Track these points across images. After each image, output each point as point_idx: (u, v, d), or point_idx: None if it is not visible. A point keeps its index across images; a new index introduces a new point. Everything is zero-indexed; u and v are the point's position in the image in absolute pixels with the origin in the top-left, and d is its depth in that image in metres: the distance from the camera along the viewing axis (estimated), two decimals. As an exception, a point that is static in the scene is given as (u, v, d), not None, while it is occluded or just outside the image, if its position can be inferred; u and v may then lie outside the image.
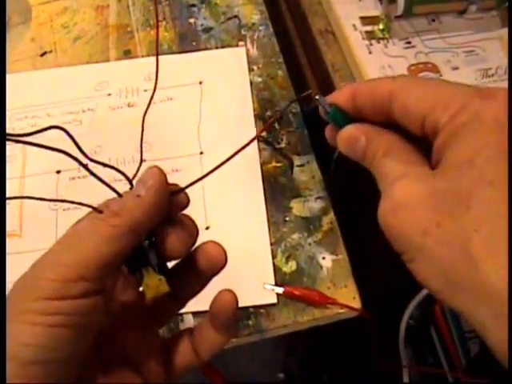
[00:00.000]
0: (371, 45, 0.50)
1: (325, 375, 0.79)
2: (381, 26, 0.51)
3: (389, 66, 0.49)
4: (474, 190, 0.21)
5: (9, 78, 0.55)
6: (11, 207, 0.48)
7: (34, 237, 0.47)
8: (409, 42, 0.50)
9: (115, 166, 0.26)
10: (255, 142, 0.50)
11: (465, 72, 0.48)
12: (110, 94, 0.54)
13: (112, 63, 0.57)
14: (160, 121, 0.51)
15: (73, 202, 0.27)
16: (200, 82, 0.54)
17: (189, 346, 0.30)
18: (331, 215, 0.47)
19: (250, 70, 0.54)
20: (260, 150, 0.50)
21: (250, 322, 0.43)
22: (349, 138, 0.27)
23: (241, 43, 0.56)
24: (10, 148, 0.51)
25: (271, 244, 0.46)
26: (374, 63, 0.49)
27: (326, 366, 0.79)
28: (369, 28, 0.51)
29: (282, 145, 0.50)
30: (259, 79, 0.54)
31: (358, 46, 0.50)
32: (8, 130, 0.22)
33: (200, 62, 0.55)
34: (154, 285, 0.27)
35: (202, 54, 0.56)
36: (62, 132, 0.24)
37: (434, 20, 0.52)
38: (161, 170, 0.26)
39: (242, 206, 0.47)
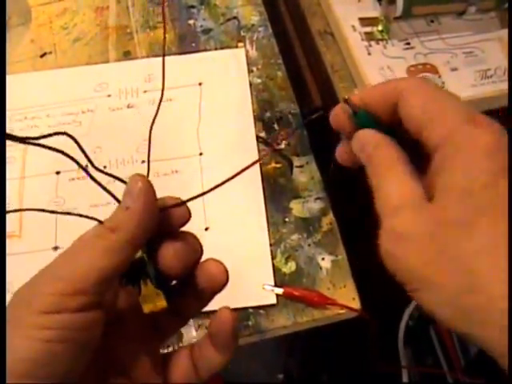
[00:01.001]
0: (370, 46, 0.50)
1: (324, 376, 0.79)
2: (380, 27, 0.51)
3: (388, 67, 0.49)
4: (475, 219, 0.22)
5: (9, 78, 0.55)
6: (11, 208, 0.48)
7: (34, 238, 0.46)
8: (408, 43, 0.50)
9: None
10: (255, 142, 0.50)
11: (464, 73, 0.48)
12: (109, 95, 0.54)
13: (112, 64, 0.57)
14: (159, 122, 0.51)
15: (75, 215, 0.27)
16: (199, 83, 0.54)
17: (189, 362, 0.30)
18: (330, 216, 0.47)
19: (250, 71, 0.54)
20: (259, 150, 0.50)
21: (250, 323, 0.43)
22: (362, 138, 0.27)
23: (240, 44, 0.57)
24: (10, 149, 0.51)
25: (271, 245, 0.46)
26: (373, 64, 0.49)
27: (325, 366, 0.79)
28: (368, 29, 0.51)
29: (282, 146, 0.50)
30: (258, 80, 0.54)
31: (357, 46, 0.50)
32: (7, 131, 0.22)
33: (199, 63, 0.55)
34: (151, 298, 0.27)
35: (202, 55, 0.56)
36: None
37: (433, 21, 0.52)
38: (143, 177, 0.25)
39: (242, 207, 0.47)
